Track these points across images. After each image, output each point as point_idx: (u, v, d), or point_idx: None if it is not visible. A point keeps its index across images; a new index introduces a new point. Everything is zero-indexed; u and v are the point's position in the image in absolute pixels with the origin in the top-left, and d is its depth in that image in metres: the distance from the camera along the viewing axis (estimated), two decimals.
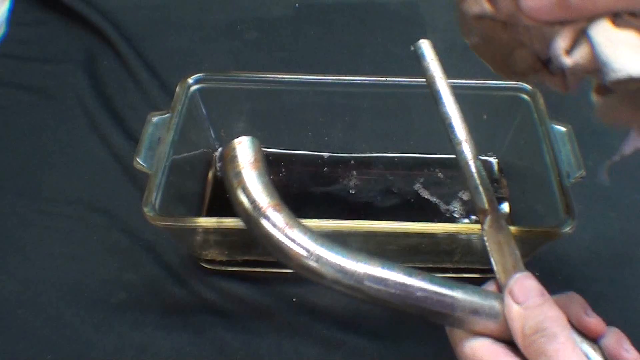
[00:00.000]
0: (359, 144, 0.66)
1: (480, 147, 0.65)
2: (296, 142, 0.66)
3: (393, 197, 0.63)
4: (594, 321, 0.32)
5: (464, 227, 0.48)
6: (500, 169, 0.65)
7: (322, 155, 0.66)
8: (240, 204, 0.35)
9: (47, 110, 0.72)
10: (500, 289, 0.35)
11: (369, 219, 0.49)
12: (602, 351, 0.32)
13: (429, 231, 0.49)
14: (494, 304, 0.33)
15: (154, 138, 0.54)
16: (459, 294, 0.33)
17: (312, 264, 0.32)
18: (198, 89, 0.60)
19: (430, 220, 0.56)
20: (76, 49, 0.79)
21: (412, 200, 0.62)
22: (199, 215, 0.61)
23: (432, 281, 0.33)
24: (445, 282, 0.34)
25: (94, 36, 0.80)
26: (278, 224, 0.33)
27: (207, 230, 0.52)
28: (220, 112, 0.64)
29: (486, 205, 0.39)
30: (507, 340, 0.32)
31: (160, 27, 0.83)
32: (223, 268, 0.57)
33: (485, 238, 0.38)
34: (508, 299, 0.32)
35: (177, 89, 0.59)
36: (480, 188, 0.40)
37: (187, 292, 0.56)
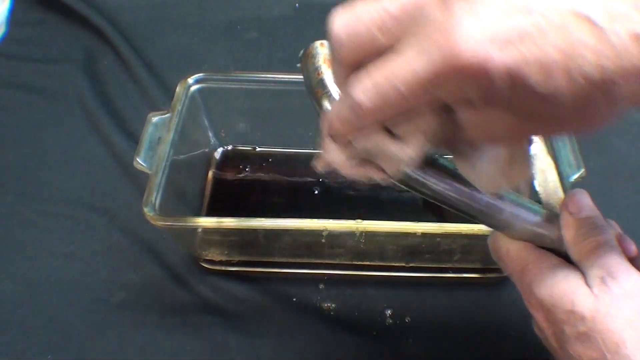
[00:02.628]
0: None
1: None
2: (296, 142, 0.66)
3: (396, 194, 0.63)
4: (624, 244, 0.33)
5: (464, 227, 0.48)
6: None
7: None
8: (317, 93, 0.38)
9: (47, 110, 0.72)
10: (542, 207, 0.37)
11: (371, 217, 0.49)
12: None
13: (429, 231, 0.49)
14: (538, 213, 0.35)
15: (154, 138, 0.54)
16: (507, 198, 0.34)
17: (415, 175, 0.34)
18: (198, 89, 0.60)
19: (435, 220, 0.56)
20: (76, 49, 0.79)
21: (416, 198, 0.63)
22: (199, 215, 0.61)
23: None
24: None
25: (94, 36, 0.80)
26: None
27: (207, 230, 0.52)
28: (220, 112, 0.64)
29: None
30: (545, 248, 0.34)
31: (160, 27, 0.83)
32: (223, 268, 0.57)
33: (532, 162, 0.41)
34: (564, 210, 0.34)
35: (177, 89, 0.59)
36: None
37: (187, 292, 0.56)
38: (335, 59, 0.28)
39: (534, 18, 0.22)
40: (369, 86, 0.26)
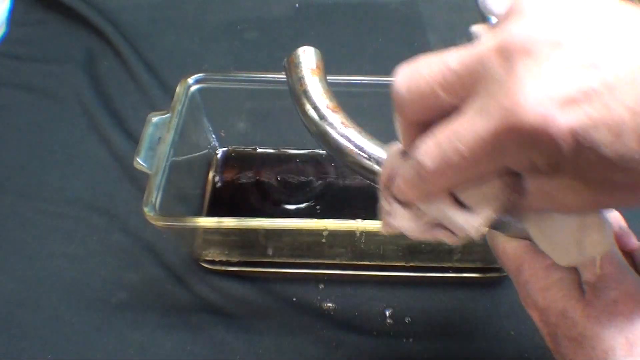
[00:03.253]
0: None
1: None
2: (296, 142, 0.66)
3: None
4: (623, 238, 0.33)
5: None
6: None
7: (321, 154, 0.66)
8: (302, 105, 0.38)
9: (47, 110, 0.72)
10: None
11: (371, 217, 0.49)
12: (635, 265, 0.33)
13: None
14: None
15: (154, 138, 0.54)
16: None
17: (365, 161, 0.34)
18: (198, 89, 0.60)
19: None
20: (76, 49, 0.79)
21: None
22: (199, 215, 0.61)
23: None
24: None
25: (94, 36, 0.80)
26: (335, 124, 0.36)
27: (207, 230, 0.52)
28: (220, 112, 0.64)
29: None
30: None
31: (160, 27, 0.83)
32: (223, 268, 0.57)
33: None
34: None
35: (177, 89, 0.59)
36: None
37: (187, 292, 0.56)
38: (398, 116, 0.27)
39: (601, 74, 0.21)
40: (432, 147, 0.24)
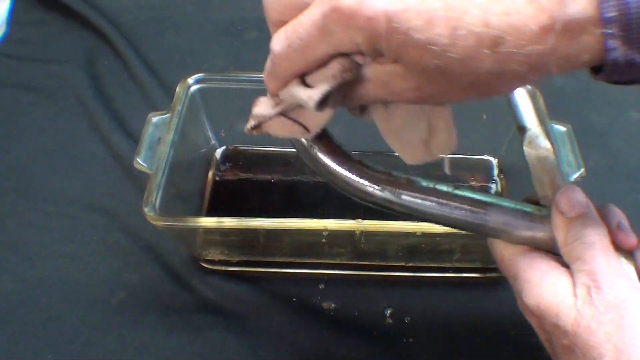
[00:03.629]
0: (359, 143, 0.66)
1: (480, 147, 0.66)
2: None
3: None
4: (621, 235, 0.33)
5: None
6: (500, 169, 0.65)
7: None
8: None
9: (47, 110, 0.72)
10: (538, 200, 0.37)
11: (371, 217, 0.49)
12: (636, 264, 0.33)
13: (429, 231, 0.49)
14: (528, 215, 0.34)
15: (154, 138, 0.54)
16: (492, 207, 0.34)
17: (360, 185, 0.35)
18: (198, 89, 0.60)
19: None
20: (76, 49, 0.79)
21: None
22: (199, 215, 0.61)
23: (466, 196, 0.35)
24: (479, 197, 0.35)
25: (94, 36, 0.80)
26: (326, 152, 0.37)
27: (207, 230, 0.52)
28: (220, 112, 0.64)
29: (525, 122, 0.41)
30: (542, 249, 0.34)
31: (160, 27, 0.83)
32: (223, 268, 0.57)
33: (525, 154, 0.40)
34: (554, 209, 0.33)
35: (177, 89, 0.59)
36: (519, 106, 0.42)
37: (187, 292, 0.56)
38: (268, 20, 0.31)
39: None
40: (281, 35, 0.29)
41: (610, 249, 0.31)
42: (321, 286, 0.57)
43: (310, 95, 0.30)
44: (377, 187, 0.35)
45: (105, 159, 0.67)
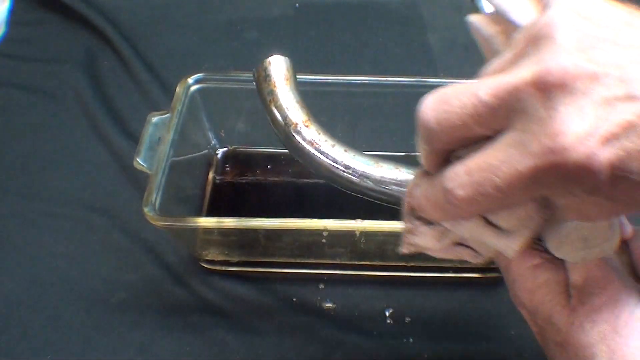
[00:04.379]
0: (359, 143, 0.66)
1: None
2: None
3: None
4: (622, 226, 0.32)
5: None
6: None
7: None
8: (274, 120, 0.38)
9: (47, 110, 0.72)
10: None
11: (371, 217, 0.49)
12: (629, 254, 0.32)
13: None
14: None
15: (154, 138, 0.54)
16: None
17: (342, 172, 0.35)
18: (198, 89, 0.60)
19: None
20: (76, 49, 0.79)
21: None
22: (199, 215, 0.61)
23: None
24: None
25: (94, 36, 0.80)
26: (308, 138, 0.36)
27: (207, 230, 0.52)
28: (220, 112, 0.64)
29: None
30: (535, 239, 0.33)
31: (160, 27, 0.83)
32: (223, 268, 0.57)
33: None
34: None
35: (177, 89, 0.59)
36: None
37: (187, 292, 0.56)
38: (426, 145, 0.27)
39: (637, 106, 0.21)
40: (463, 176, 0.25)
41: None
42: (321, 286, 0.57)
43: (509, 246, 0.27)
44: (360, 176, 0.34)
45: (105, 159, 0.67)
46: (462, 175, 0.24)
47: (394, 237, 0.52)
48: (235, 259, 0.57)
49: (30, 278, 0.57)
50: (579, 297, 0.29)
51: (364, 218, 0.49)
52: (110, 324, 0.54)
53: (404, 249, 0.31)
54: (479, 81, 0.24)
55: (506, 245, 0.27)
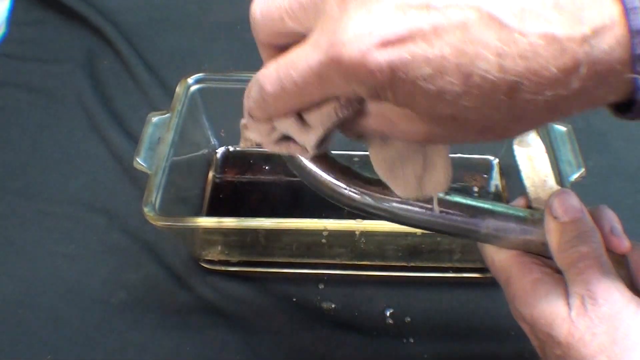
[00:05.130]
0: (359, 143, 0.66)
1: (480, 147, 0.66)
2: None
3: None
4: (615, 240, 0.33)
5: None
6: (500, 169, 0.65)
7: None
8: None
9: (47, 110, 0.72)
10: (530, 203, 0.36)
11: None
12: (628, 268, 0.33)
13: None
14: (521, 219, 0.34)
15: (154, 138, 0.54)
16: (484, 213, 0.34)
17: (342, 189, 0.35)
18: (198, 89, 0.60)
19: None
20: (76, 49, 0.79)
21: None
22: (199, 215, 0.61)
23: (458, 203, 0.34)
24: (470, 203, 0.34)
25: (94, 36, 0.80)
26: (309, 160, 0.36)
27: (207, 230, 0.52)
28: (220, 112, 0.64)
29: None
30: (534, 253, 0.34)
31: (160, 27, 0.83)
32: (223, 268, 0.57)
33: (515, 152, 0.39)
34: (547, 213, 0.32)
35: (177, 89, 0.59)
36: None
37: (187, 292, 0.56)
38: (255, 40, 0.29)
39: (431, 16, 0.22)
40: (272, 73, 0.26)
41: (605, 257, 0.31)
42: (321, 286, 0.57)
43: (306, 140, 0.29)
44: (361, 192, 0.34)
45: (105, 159, 0.67)
46: (271, 71, 0.27)
47: (394, 237, 0.52)
48: (235, 259, 0.57)
49: (30, 278, 0.57)
50: (579, 310, 0.30)
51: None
52: (110, 324, 0.54)
53: (241, 144, 0.33)
54: None
55: (305, 139, 0.29)
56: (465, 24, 0.21)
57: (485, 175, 0.65)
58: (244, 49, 0.80)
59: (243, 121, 0.32)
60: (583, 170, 0.51)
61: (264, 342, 0.53)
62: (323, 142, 0.29)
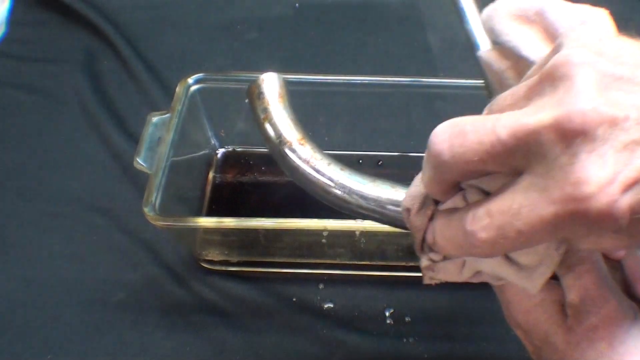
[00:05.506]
0: (359, 143, 0.66)
1: None
2: None
3: None
4: None
5: None
6: None
7: None
8: (268, 138, 0.37)
9: (47, 110, 0.72)
10: None
11: None
12: (622, 273, 0.32)
13: None
14: None
15: (154, 138, 0.54)
16: None
17: (337, 192, 0.34)
18: (198, 89, 0.60)
19: None
20: (76, 49, 0.79)
21: None
22: (199, 215, 0.61)
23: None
24: None
25: (94, 36, 0.80)
26: (303, 157, 0.35)
27: (207, 230, 0.52)
28: (220, 112, 0.64)
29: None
30: None
31: (160, 27, 0.83)
32: (223, 268, 0.57)
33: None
34: None
35: (177, 89, 0.59)
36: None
37: (187, 292, 0.56)
38: (435, 174, 0.26)
39: None
40: (485, 220, 0.24)
41: (602, 262, 0.31)
42: (321, 286, 0.57)
43: (529, 282, 0.28)
44: (352, 193, 0.34)
45: (105, 159, 0.67)
46: (483, 217, 0.24)
47: (394, 237, 0.52)
48: (235, 259, 0.57)
49: (30, 278, 0.57)
50: (576, 316, 0.29)
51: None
52: (110, 324, 0.54)
53: (427, 282, 0.32)
54: (496, 117, 0.24)
55: (527, 282, 0.28)
56: None
57: None
58: (244, 49, 0.80)
59: (425, 262, 0.31)
60: None
61: (263, 342, 0.53)
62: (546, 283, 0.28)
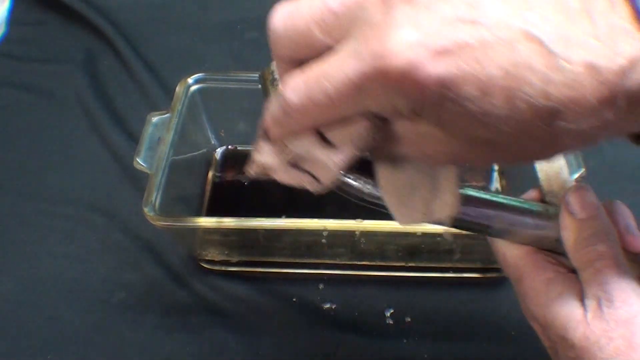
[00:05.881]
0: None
1: None
2: None
3: None
4: (630, 238, 0.32)
5: None
6: (500, 169, 0.65)
7: None
8: None
9: (47, 110, 0.72)
10: (543, 196, 0.35)
11: (371, 217, 0.49)
12: None
13: (429, 231, 0.49)
14: (535, 214, 0.33)
15: (154, 138, 0.54)
16: (498, 207, 0.32)
17: (350, 181, 0.33)
18: (198, 89, 0.60)
19: None
20: (76, 49, 0.79)
21: None
22: (199, 215, 0.61)
23: (470, 196, 0.32)
24: (483, 196, 0.33)
25: (94, 36, 0.80)
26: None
27: (207, 230, 0.52)
28: (220, 112, 0.64)
29: None
30: (547, 250, 0.33)
31: (160, 27, 0.83)
32: (223, 268, 0.57)
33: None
34: (564, 209, 0.31)
35: (177, 89, 0.59)
36: None
37: (187, 292, 0.56)
38: (273, 54, 0.26)
39: (480, 32, 0.21)
40: (300, 85, 0.24)
41: (622, 257, 0.30)
42: (321, 286, 0.57)
43: (334, 160, 0.27)
44: (362, 181, 0.33)
45: (105, 159, 0.67)
46: (298, 82, 0.24)
47: (394, 237, 0.52)
48: (235, 259, 0.57)
49: (30, 278, 0.57)
50: (595, 312, 0.29)
51: (364, 218, 0.49)
52: (110, 324, 0.54)
53: (251, 170, 0.31)
54: None
55: (329, 157, 0.27)
56: (512, 46, 0.21)
57: (485, 175, 0.65)
58: (244, 49, 0.80)
59: (256, 146, 0.31)
60: (583, 170, 0.51)
61: (263, 342, 0.53)
62: (349, 162, 0.28)
